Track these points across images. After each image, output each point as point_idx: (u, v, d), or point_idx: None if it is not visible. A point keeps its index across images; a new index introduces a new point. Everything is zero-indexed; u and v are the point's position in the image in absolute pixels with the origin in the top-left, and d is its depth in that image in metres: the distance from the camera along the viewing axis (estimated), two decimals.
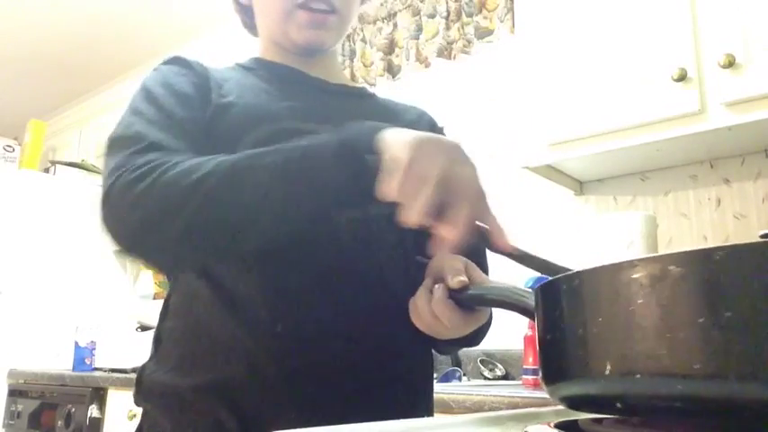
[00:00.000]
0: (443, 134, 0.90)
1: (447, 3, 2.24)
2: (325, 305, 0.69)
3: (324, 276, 0.69)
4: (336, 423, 0.40)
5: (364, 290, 0.71)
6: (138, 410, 0.75)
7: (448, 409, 1.26)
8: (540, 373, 0.42)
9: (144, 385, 0.73)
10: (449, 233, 0.54)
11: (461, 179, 0.54)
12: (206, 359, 0.68)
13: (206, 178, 0.58)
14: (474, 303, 0.63)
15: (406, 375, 0.74)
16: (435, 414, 0.82)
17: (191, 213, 0.58)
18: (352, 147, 0.57)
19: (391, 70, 2.39)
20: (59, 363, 2.72)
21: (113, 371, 2.37)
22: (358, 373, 0.69)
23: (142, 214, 0.60)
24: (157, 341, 0.74)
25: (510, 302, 0.55)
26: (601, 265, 0.36)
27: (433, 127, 0.90)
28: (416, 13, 2.34)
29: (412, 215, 0.53)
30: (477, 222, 0.57)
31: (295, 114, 0.74)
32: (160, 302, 0.78)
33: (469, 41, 2.16)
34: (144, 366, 0.74)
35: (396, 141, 0.55)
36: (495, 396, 1.23)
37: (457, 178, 0.54)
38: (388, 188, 0.54)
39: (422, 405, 0.76)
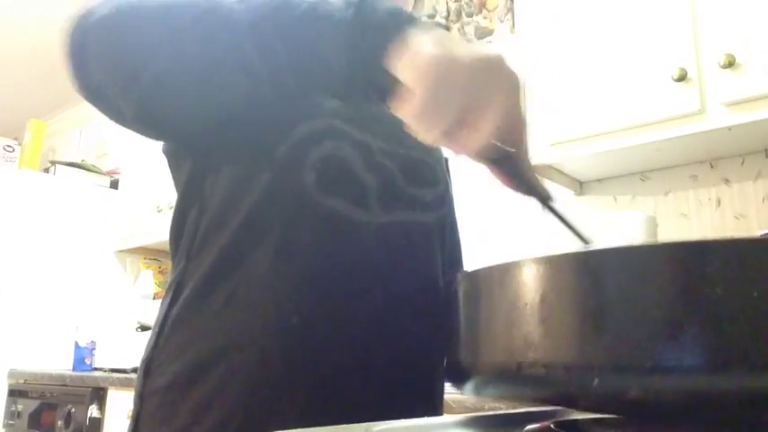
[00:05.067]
0: (449, 172, 0.87)
1: (447, 3, 2.24)
2: (347, 306, 0.67)
3: (349, 277, 0.68)
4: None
5: (390, 294, 0.69)
6: None
7: (448, 408, 1.26)
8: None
9: (152, 377, 0.69)
10: (468, 139, 0.48)
11: (493, 100, 0.48)
12: (216, 352, 0.65)
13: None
14: None
15: (423, 384, 0.74)
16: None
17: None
18: (364, 32, 0.49)
19: None
20: (59, 363, 2.72)
21: (113, 371, 2.38)
22: (373, 379, 0.67)
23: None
24: (161, 329, 0.70)
25: None
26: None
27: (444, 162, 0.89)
28: (416, 12, 2.34)
29: (427, 138, 0.48)
30: (500, 144, 0.51)
31: (341, 114, 0.71)
32: (160, 302, 0.76)
33: (469, 41, 2.16)
34: (151, 356, 0.70)
35: (414, 60, 0.47)
36: None
37: (487, 98, 0.47)
38: (403, 109, 0.48)
39: (436, 413, 0.76)
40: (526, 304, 0.37)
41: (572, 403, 0.38)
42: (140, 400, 0.69)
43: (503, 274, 0.40)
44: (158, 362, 0.69)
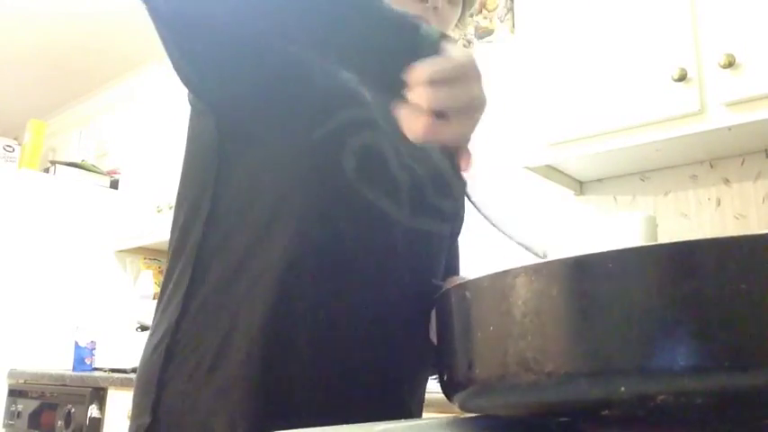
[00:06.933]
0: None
1: None
2: (372, 306, 0.66)
3: (379, 276, 0.67)
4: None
5: (408, 301, 0.69)
6: None
7: (448, 408, 1.26)
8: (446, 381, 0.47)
9: (175, 361, 0.65)
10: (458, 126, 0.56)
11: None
12: (237, 337, 0.62)
13: None
14: None
15: (422, 387, 0.75)
16: (435, 414, 0.82)
17: None
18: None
19: None
20: (59, 363, 2.72)
21: (113, 371, 2.38)
22: (387, 381, 0.68)
23: None
24: (184, 312, 0.66)
25: None
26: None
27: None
28: None
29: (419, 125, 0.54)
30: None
31: (376, 107, 0.70)
32: (168, 279, 0.71)
33: (469, 41, 2.16)
34: (173, 340, 0.65)
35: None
36: None
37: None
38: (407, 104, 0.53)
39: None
40: (537, 313, 0.35)
41: (591, 412, 0.37)
42: (158, 387, 0.65)
43: (505, 282, 0.37)
44: (181, 345, 0.65)
